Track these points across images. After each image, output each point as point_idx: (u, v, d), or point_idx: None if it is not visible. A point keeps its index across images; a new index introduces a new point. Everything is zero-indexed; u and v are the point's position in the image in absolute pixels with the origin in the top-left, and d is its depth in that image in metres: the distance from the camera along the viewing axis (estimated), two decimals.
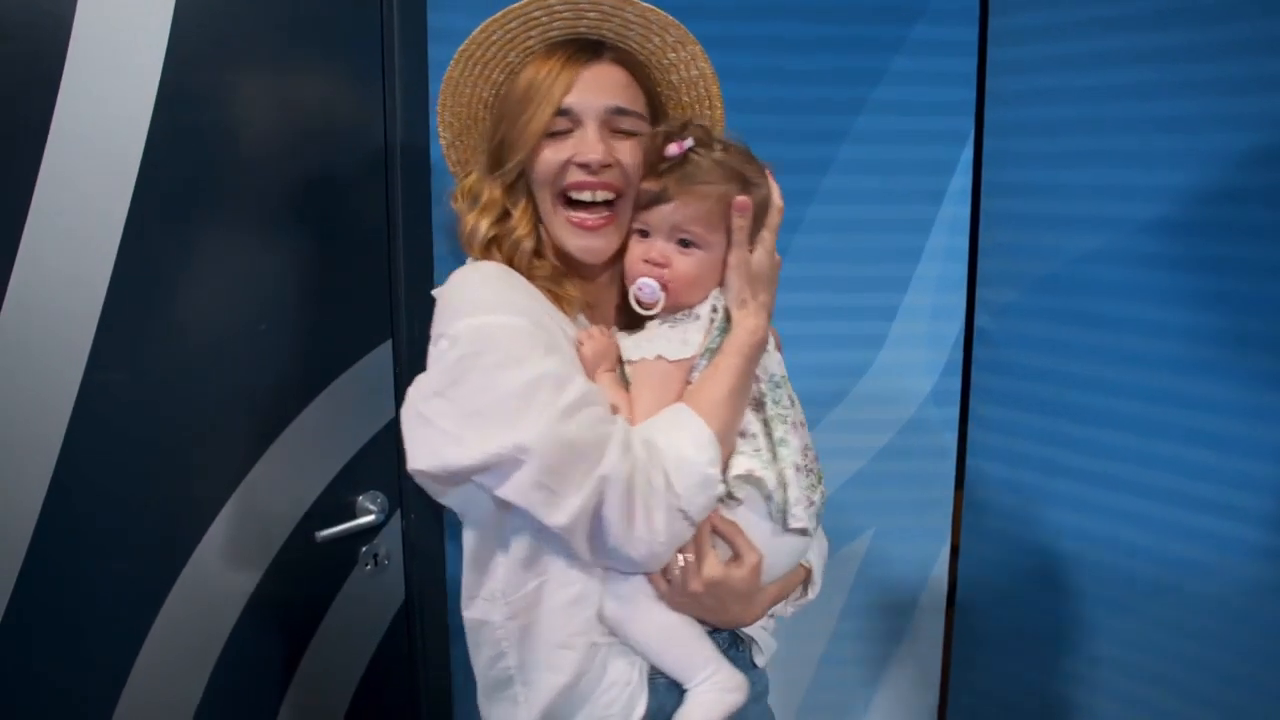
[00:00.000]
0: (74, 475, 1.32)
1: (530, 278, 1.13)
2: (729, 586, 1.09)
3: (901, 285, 1.77)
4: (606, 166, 1.10)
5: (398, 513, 1.63)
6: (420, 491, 1.12)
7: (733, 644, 1.22)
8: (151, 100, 1.31)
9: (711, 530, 1.10)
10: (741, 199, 1.07)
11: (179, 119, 1.33)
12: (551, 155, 1.11)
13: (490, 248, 1.15)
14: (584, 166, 1.10)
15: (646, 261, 1.12)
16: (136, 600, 1.40)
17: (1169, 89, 1.52)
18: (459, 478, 1.06)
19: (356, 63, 1.52)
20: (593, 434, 1.00)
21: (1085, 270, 1.64)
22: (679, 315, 1.13)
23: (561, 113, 1.10)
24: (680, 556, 1.09)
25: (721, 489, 1.05)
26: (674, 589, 1.10)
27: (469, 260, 1.18)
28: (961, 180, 1.74)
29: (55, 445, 1.32)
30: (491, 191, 1.15)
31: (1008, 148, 1.71)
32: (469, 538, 1.17)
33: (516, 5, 1.09)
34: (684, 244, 1.12)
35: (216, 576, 1.46)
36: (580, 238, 1.13)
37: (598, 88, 1.12)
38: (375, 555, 1.63)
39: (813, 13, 1.68)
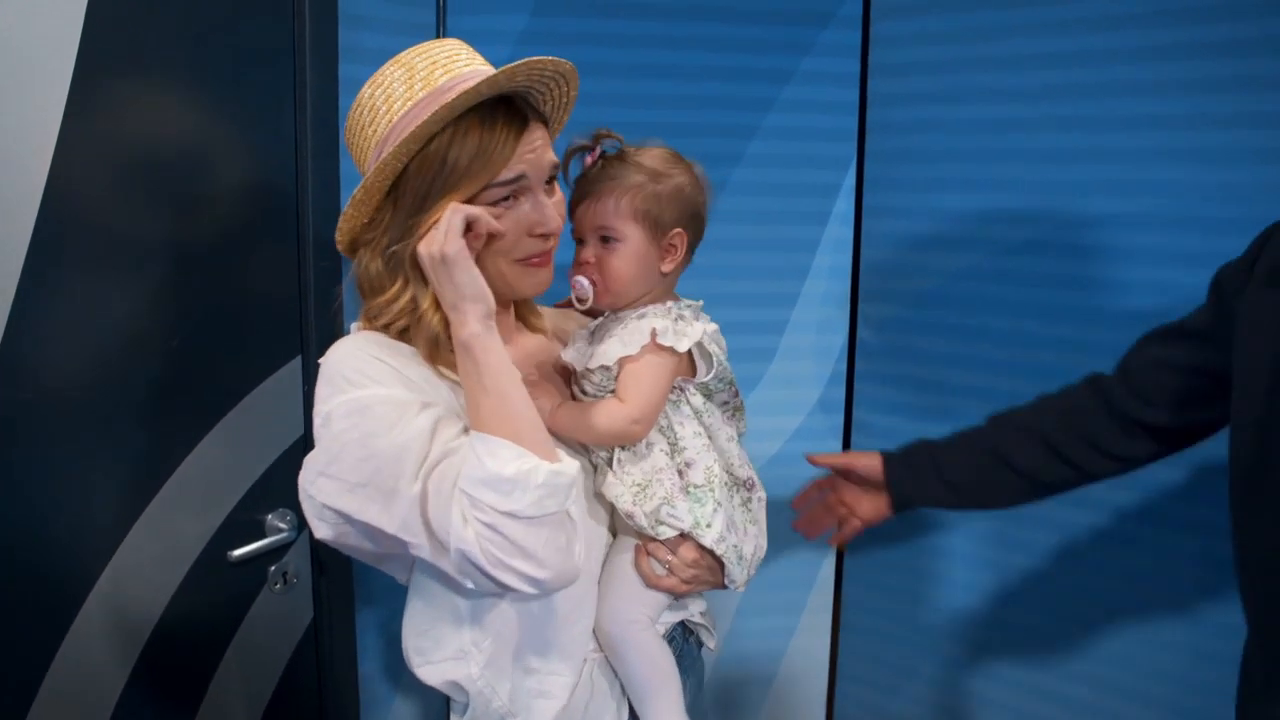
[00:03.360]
0: None
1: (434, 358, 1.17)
2: (703, 562, 1.23)
3: (790, 301, 1.87)
4: None
5: (306, 531, 1.63)
6: None
7: (684, 636, 1.33)
8: (60, 112, 1.27)
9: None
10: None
11: (88, 133, 1.29)
12: (512, 226, 1.14)
13: (389, 330, 1.18)
14: (546, 236, 1.16)
15: (579, 263, 1.25)
16: (43, 621, 1.34)
17: (1035, 124, 1.67)
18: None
19: (268, 77, 1.51)
20: (440, 510, 1.04)
21: (958, 287, 1.78)
22: (653, 310, 1.25)
23: (512, 181, 1.12)
24: (659, 564, 1.23)
25: (556, 473, 1.06)
26: (675, 579, 1.24)
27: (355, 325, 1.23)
28: (845, 203, 1.86)
29: None
30: (400, 277, 1.15)
31: (887, 174, 1.84)
32: (418, 598, 1.22)
33: (470, 89, 1.07)
34: (604, 240, 1.24)
35: (125, 598, 1.42)
36: (534, 276, 1.19)
37: (539, 150, 1.15)
38: (284, 574, 1.61)
39: (710, 43, 1.77)
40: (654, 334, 1.20)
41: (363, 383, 1.10)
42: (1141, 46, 1.55)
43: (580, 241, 1.27)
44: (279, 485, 1.58)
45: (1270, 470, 1.16)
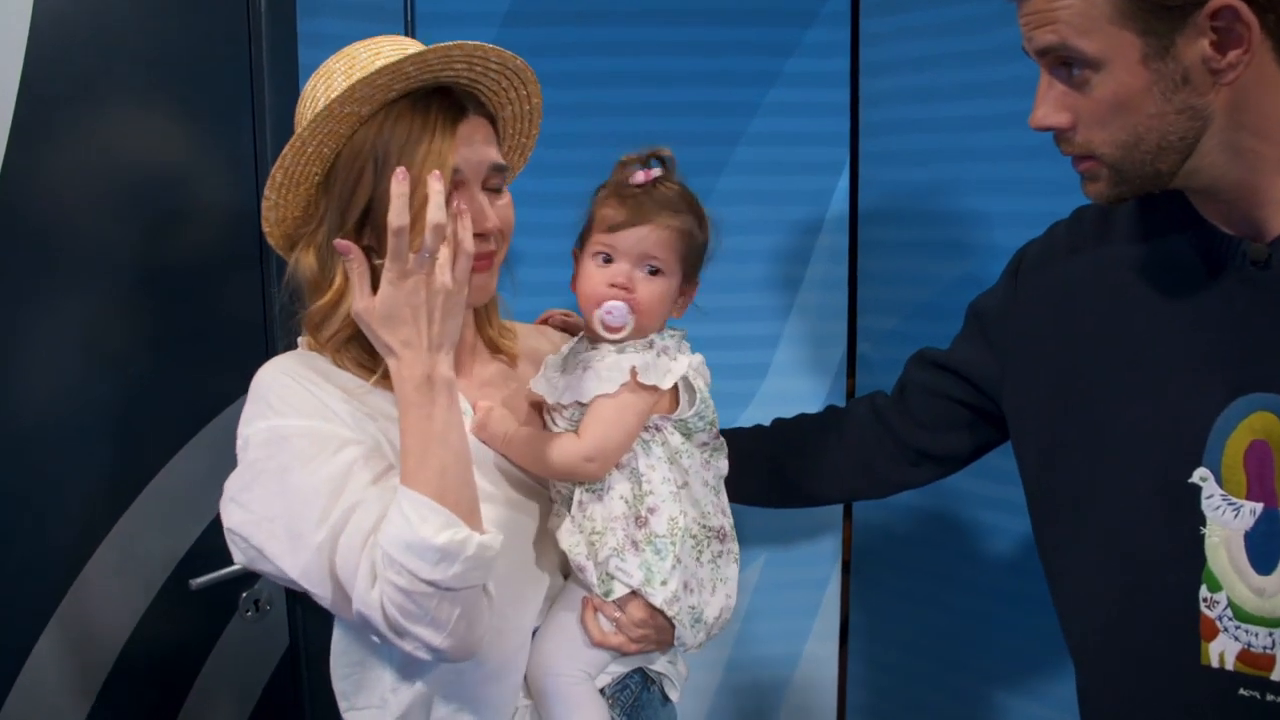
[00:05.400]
0: None
1: (342, 364, 1.13)
2: (654, 621, 1.14)
3: (783, 314, 1.79)
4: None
5: None
6: None
7: (644, 686, 1.23)
8: (6, 132, 1.26)
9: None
10: (342, 242, 1.00)
11: (41, 154, 1.29)
12: None
13: (330, 344, 1.13)
14: (481, 236, 1.08)
15: (613, 286, 1.15)
16: (1, 652, 1.33)
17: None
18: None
19: (227, 98, 1.50)
20: (348, 565, 0.98)
21: (962, 296, 1.65)
22: (633, 344, 1.17)
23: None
24: (608, 620, 1.14)
25: (485, 546, 0.98)
26: (622, 637, 1.15)
27: (301, 340, 1.18)
28: (839, 209, 1.77)
29: None
30: (339, 272, 1.09)
31: (882, 177, 1.75)
32: (339, 641, 1.17)
33: (390, 63, 1.02)
34: (651, 270, 1.16)
35: (87, 627, 1.41)
36: (474, 280, 1.09)
37: (479, 143, 1.09)
38: (256, 601, 1.59)
39: (689, 48, 1.71)
40: (634, 372, 1.13)
41: (284, 411, 1.06)
42: None
43: (608, 260, 1.17)
44: None
45: (1062, 509, 1.12)
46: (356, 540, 0.98)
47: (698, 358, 1.21)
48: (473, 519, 0.99)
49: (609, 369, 1.14)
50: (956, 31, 1.62)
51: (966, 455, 1.35)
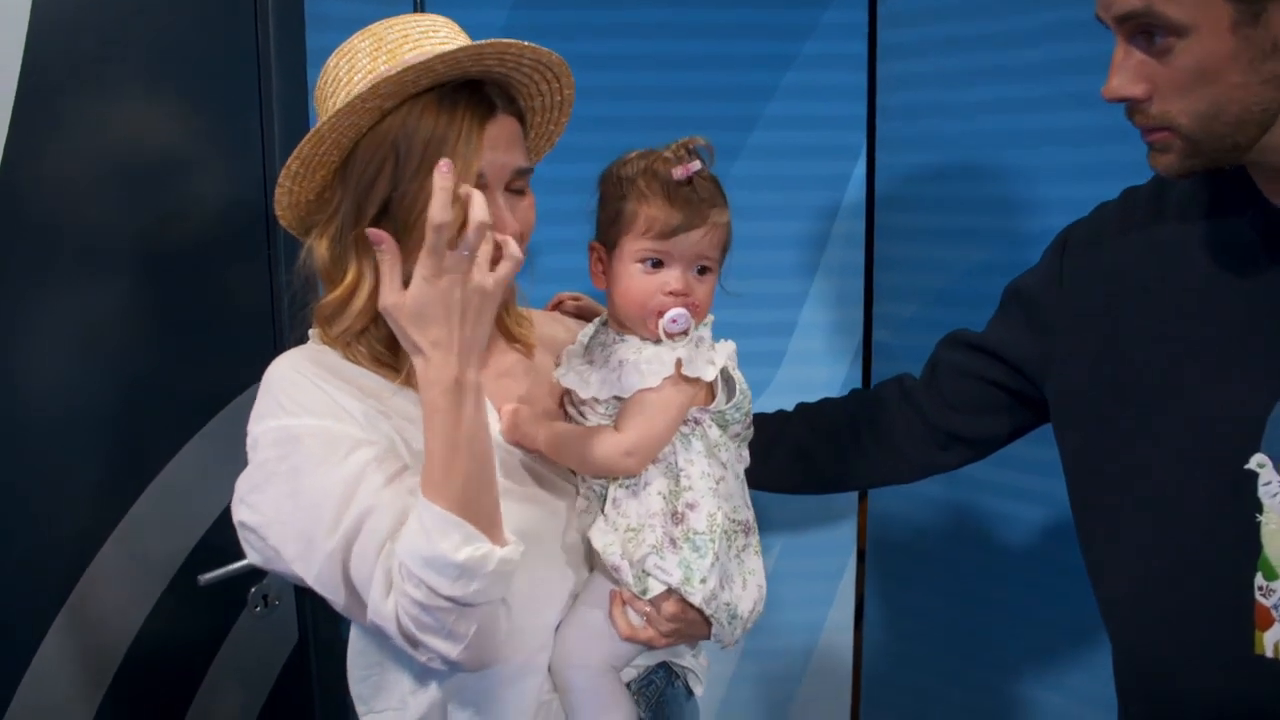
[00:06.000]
0: None
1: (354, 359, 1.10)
2: (686, 616, 1.10)
3: (798, 301, 1.77)
4: None
5: None
6: None
7: (669, 680, 1.20)
8: (6, 121, 1.23)
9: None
10: (375, 231, 0.95)
11: (43, 142, 1.26)
12: None
13: (342, 338, 1.10)
14: None
15: (671, 293, 1.11)
16: (7, 645, 1.31)
17: (1056, 102, 1.53)
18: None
19: (233, 84, 1.46)
20: (363, 572, 0.96)
21: (980, 283, 1.64)
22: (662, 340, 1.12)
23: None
24: (638, 614, 1.10)
25: (505, 560, 0.95)
26: (652, 631, 1.11)
27: (312, 332, 1.14)
28: (856, 195, 1.74)
29: None
30: (353, 265, 1.05)
31: (899, 161, 1.72)
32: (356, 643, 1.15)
33: (419, 62, 0.97)
34: (701, 270, 1.12)
35: (94, 622, 1.39)
36: None
37: (504, 146, 1.05)
38: (265, 596, 1.56)
39: (703, 30, 1.68)
40: (679, 365, 1.09)
41: (295, 410, 1.03)
42: None
43: (658, 264, 1.12)
44: None
45: (1109, 495, 1.09)
46: (371, 548, 0.95)
47: (730, 345, 1.18)
48: (493, 529, 0.96)
49: (649, 362, 1.10)
50: (974, 15, 1.59)
51: (1002, 438, 1.32)
